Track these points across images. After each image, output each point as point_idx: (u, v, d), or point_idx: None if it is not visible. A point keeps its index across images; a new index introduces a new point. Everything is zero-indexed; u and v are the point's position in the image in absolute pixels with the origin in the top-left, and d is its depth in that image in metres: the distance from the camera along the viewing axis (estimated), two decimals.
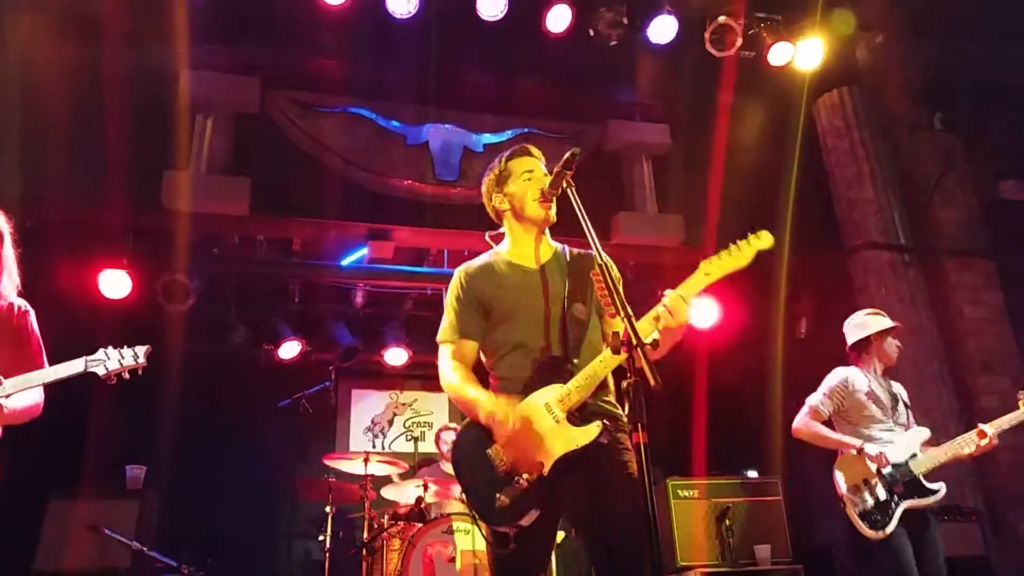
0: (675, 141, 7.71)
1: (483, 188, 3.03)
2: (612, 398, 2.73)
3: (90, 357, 3.07)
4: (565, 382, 2.57)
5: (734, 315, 7.34)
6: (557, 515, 2.67)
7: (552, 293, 2.77)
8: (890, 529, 4.03)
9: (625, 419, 2.65)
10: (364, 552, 5.36)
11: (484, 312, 2.81)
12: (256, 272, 7.10)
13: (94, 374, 3.06)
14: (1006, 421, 4.22)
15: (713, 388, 7.24)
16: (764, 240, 2.62)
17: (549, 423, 2.53)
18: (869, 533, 4.07)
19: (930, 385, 6.32)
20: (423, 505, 5.28)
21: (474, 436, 2.63)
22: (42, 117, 5.80)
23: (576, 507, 2.59)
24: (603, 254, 2.50)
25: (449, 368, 2.77)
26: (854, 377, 4.39)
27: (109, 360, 3.09)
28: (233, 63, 6.77)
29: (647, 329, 2.49)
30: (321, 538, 5.70)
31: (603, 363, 2.55)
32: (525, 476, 2.48)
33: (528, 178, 2.88)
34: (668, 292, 2.53)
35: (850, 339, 4.53)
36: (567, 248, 2.95)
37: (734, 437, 7.26)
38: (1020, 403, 4.22)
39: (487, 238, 3.08)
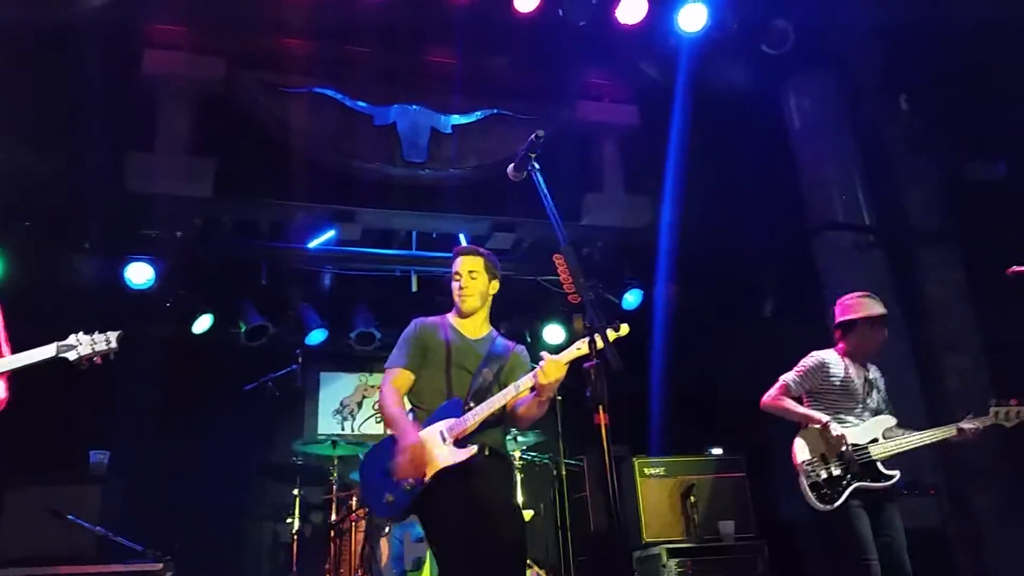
0: (643, 122, 7.71)
1: None
2: (497, 436, 3.55)
3: (61, 343, 3.05)
4: (459, 417, 3.35)
5: (699, 294, 7.40)
6: (457, 511, 3.26)
7: (472, 357, 3.59)
8: (838, 503, 4.12)
9: (509, 455, 3.71)
10: (332, 534, 5.37)
11: (423, 355, 3.59)
12: (222, 255, 7.03)
13: (65, 360, 3.03)
14: (980, 422, 4.30)
15: (679, 368, 7.30)
16: (622, 331, 3.11)
17: (439, 445, 3.30)
18: (816, 505, 4.18)
19: (893, 365, 6.36)
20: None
21: (383, 448, 3.43)
22: (1, 102, 5.67)
23: (447, 518, 3.25)
24: (562, 235, 2.53)
25: (389, 391, 3.53)
26: (831, 362, 4.46)
27: (81, 346, 3.08)
28: (197, 43, 6.65)
29: (525, 387, 3.31)
30: (289, 521, 5.71)
31: (488, 407, 3.33)
32: (410, 481, 3.23)
33: (456, 278, 3.68)
34: (546, 355, 3.23)
35: (837, 318, 4.57)
36: (497, 334, 3.79)
37: (699, 415, 7.34)
38: (991, 411, 4.30)
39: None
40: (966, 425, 4.28)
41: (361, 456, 3.72)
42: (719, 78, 7.06)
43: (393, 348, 3.70)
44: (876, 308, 4.49)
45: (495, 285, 3.76)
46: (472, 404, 3.41)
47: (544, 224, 2.56)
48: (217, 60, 6.68)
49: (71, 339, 3.09)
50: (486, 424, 3.38)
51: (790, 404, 4.45)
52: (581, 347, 3.13)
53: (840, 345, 4.56)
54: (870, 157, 7.17)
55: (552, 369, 3.19)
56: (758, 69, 7.12)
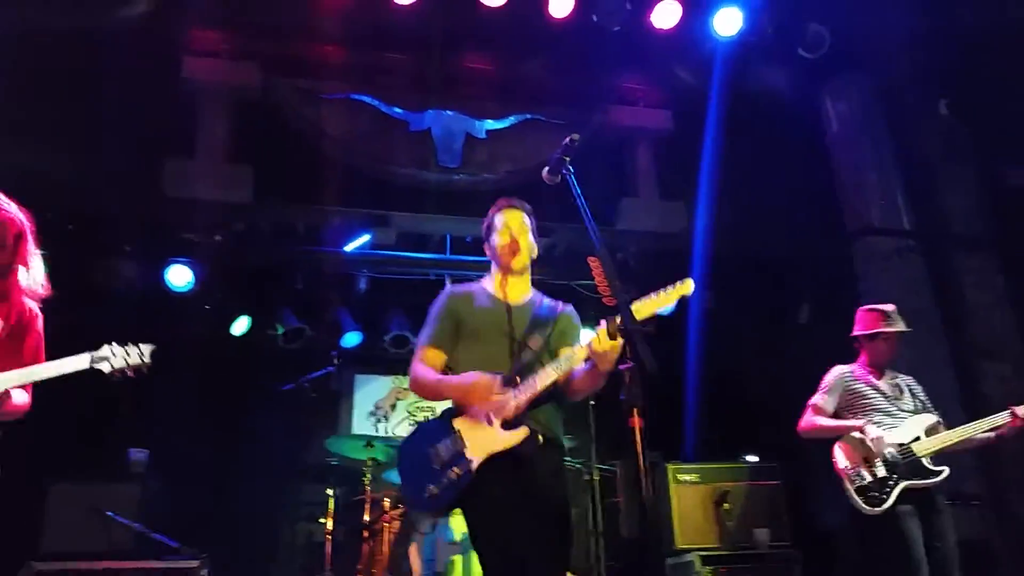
0: (678, 127, 7.68)
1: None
2: (549, 418, 3.10)
3: (95, 353, 3.07)
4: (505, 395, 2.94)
5: (735, 299, 7.34)
6: (506, 506, 2.89)
7: (514, 323, 3.18)
8: (887, 505, 4.06)
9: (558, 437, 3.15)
10: (366, 534, 5.40)
11: (456, 328, 3.23)
12: (260, 259, 7.11)
13: (99, 371, 3.07)
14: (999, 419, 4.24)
15: (715, 373, 7.24)
16: (686, 287, 2.84)
17: (484, 428, 2.92)
18: (866, 509, 4.11)
19: (931, 370, 6.29)
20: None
21: (423, 434, 3.10)
22: (42, 106, 5.80)
23: (495, 517, 2.89)
24: (596, 239, 2.53)
25: (422, 368, 3.19)
26: (852, 371, 4.46)
27: (115, 357, 3.09)
28: (235, 49, 6.75)
29: (577, 359, 2.92)
30: (322, 521, 5.74)
31: (542, 380, 2.93)
32: (455, 470, 2.88)
33: (501, 230, 3.33)
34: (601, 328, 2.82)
35: (856, 330, 4.57)
36: (541, 295, 3.40)
37: (735, 421, 7.28)
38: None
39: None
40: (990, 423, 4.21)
41: (396, 450, 3.29)
42: (755, 82, 7.01)
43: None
44: (897, 325, 4.50)
45: (535, 248, 3.43)
46: (519, 380, 3.01)
47: (578, 229, 2.56)
48: (254, 66, 6.78)
49: (104, 350, 3.08)
50: (537, 401, 2.99)
51: (823, 421, 4.42)
52: (640, 309, 2.79)
53: (861, 356, 4.58)
54: (909, 162, 7.07)
55: (607, 343, 2.81)
56: (794, 73, 7.06)
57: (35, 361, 3.12)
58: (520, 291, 3.33)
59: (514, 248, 3.27)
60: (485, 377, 2.93)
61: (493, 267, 3.40)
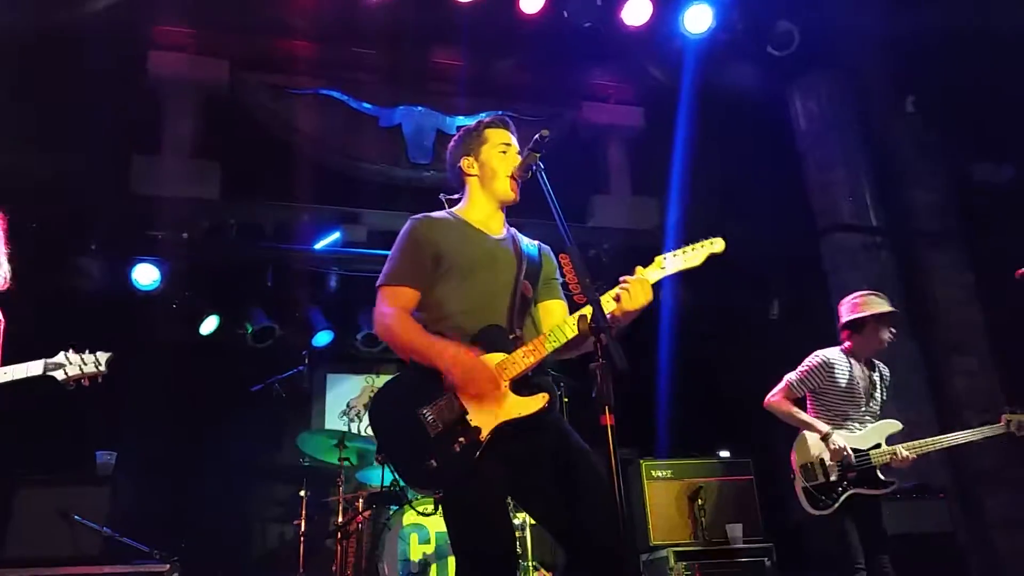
0: (649, 123, 7.70)
1: (452, 147, 3.01)
2: (549, 376, 2.71)
3: (50, 360, 3.02)
4: (510, 351, 2.54)
5: (707, 296, 7.37)
6: (503, 488, 2.56)
7: (505, 263, 2.76)
8: (830, 510, 4.13)
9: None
10: (339, 536, 5.36)
11: (434, 265, 2.70)
12: (228, 257, 7.03)
13: (53, 379, 3.01)
14: (991, 430, 4.30)
15: (687, 370, 7.27)
16: (717, 245, 2.69)
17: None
18: (810, 510, 4.20)
19: (901, 366, 6.35)
20: (398, 488, 5.28)
21: (400, 396, 2.55)
22: (5, 102, 5.68)
23: (525, 482, 2.56)
24: (568, 237, 2.49)
25: (397, 313, 2.64)
26: (836, 361, 4.43)
27: (69, 365, 3.04)
28: (202, 44, 6.67)
29: (606, 307, 2.49)
30: (296, 522, 5.70)
31: (551, 341, 2.53)
32: (460, 440, 2.41)
33: (504, 151, 2.88)
34: (629, 276, 2.55)
35: (845, 317, 4.53)
36: (516, 232, 2.97)
37: (707, 417, 7.32)
38: (1003, 417, 4.29)
39: (442, 199, 3.04)
40: (964, 438, 4.28)
41: (371, 412, 2.61)
42: (725, 79, 7.05)
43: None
44: (884, 306, 4.46)
45: None
46: (518, 330, 2.64)
47: (549, 225, 2.53)
48: (222, 62, 6.71)
49: (60, 357, 3.05)
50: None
51: (793, 410, 4.44)
52: (665, 265, 2.63)
53: (847, 344, 4.53)
54: (877, 159, 7.15)
55: (640, 292, 2.51)
56: (764, 71, 7.12)
57: None
58: (500, 225, 2.90)
59: (523, 177, 2.77)
60: (483, 367, 2.46)
61: (474, 195, 2.91)
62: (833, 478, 4.19)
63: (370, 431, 7.93)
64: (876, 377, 4.51)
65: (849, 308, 4.54)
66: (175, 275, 6.69)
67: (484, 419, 2.45)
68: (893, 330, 4.52)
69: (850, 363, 4.44)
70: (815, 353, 4.51)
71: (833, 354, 4.47)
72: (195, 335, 7.08)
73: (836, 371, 4.40)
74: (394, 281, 2.71)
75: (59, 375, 3.02)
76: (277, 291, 7.25)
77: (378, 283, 2.75)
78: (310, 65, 6.95)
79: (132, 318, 6.51)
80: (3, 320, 3.17)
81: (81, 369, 3.04)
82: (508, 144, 2.91)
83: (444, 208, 2.98)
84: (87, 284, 6.44)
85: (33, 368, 2.99)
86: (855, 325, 4.48)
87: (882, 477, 4.22)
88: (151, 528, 5.31)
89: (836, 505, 4.14)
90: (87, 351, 3.09)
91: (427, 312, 2.71)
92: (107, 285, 6.47)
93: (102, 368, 3.09)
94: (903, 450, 4.21)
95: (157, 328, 6.78)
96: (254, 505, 7.15)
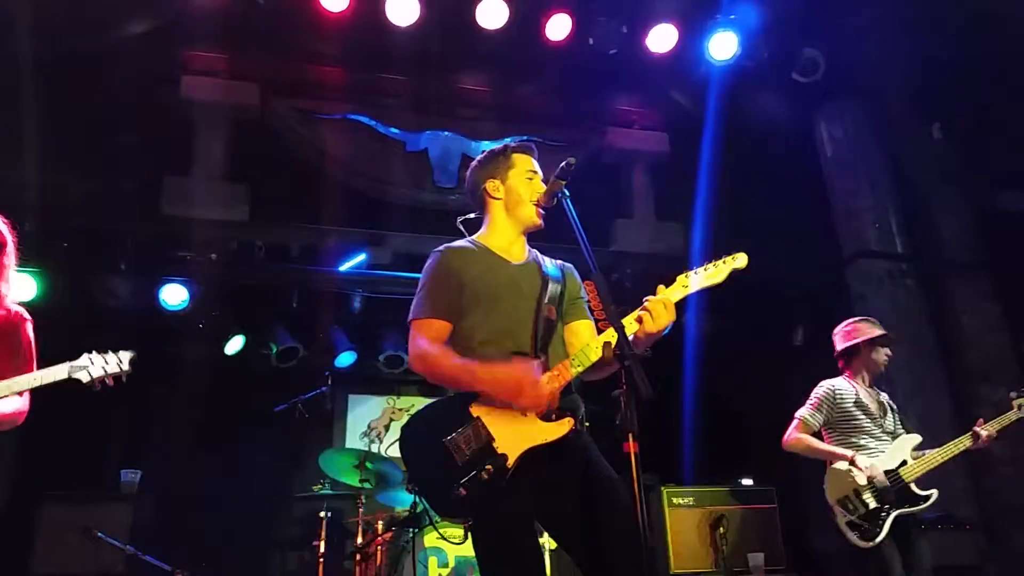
0: (674, 149, 7.72)
1: (475, 167, 3.02)
2: (575, 394, 2.70)
3: (73, 363, 3.03)
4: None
5: (730, 322, 7.34)
6: (531, 514, 2.57)
7: (528, 290, 2.76)
8: (880, 539, 4.05)
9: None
10: (358, 558, 5.37)
11: (458, 294, 2.72)
12: (254, 278, 7.10)
13: (78, 380, 3.03)
14: (998, 423, 4.24)
15: (709, 396, 7.23)
16: (740, 261, 2.63)
17: (517, 417, 2.50)
18: (858, 543, 4.09)
19: (928, 394, 6.31)
20: (418, 510, 5.28)
21: (429, 425, 2.57)
22: (39, 121, 5.81)
23: (553, 507, 2.55)
24: (592, 263, 2.49)
25: (433, 347, 2.65)
26: (841, 387, 4.42)
27: (93, 366, 3.04)
28: (233, 69, 6.79)
29: (628, 329, 2.48)
30: (315, 543, 5.71)
31: (576, 364, 2.53)
32: (488, 467, 2.42)
33: (530, 178, 2.89)
34: (651, 297, 2.54)
35: (839, 346, 4.56)
36: (539, 253, 2.97)
37: (730, 445, 7.26)
38: (1014, 404, 4.24)
39: (459, 222, 3.06)
40: (982, 431, 4.22)
41: (401, 441, 2.65)
42: (750, 106, 7.06)
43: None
44: (875, 330, 4.49)
45: None
46: (542, 355, 2.63)
47: (574, 250, 2.54)
48: (252, 86, 6.81)
49: (83, 359, 3.04)
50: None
51: (812, 442, 4.40)
52: (688, 283, 2.59)
53: (847, 372, 4.53)
54: (903, 186, 7.12)
55: (663, 312, 2.48)
56: (789, 98, 7.12)
57: (28, 364, 3.11)
58: (523, 250, 2.91)
59: (548, 204, 2.78)
60: (530, 372, 2.48)
61: (497, 220, 2.93)
62: (873, 505, 4.13)
63: (390, 452, 8.00)
64: (883, 399, 4.50)
65: (842, 337, 4.57)
66: (203, 295, 6.76)
67: (511, 446, 2.46)
68: (888, 352, 4.52)
69: (855, 387, 4.44)
70: (820, 384, 4.51)
71: (837, 382, 4.48)
72: (221, 355, 7.15)
73: (844, 396, 4.38)
74: (425, 315, 2.73)
75: (83, 376, 3.01)
76: (302, 312, 7.31)
77: (410, 317, 2.77)
78: (339, 90, 7.05)
79: (159, 338, 6.59)
80: (30, 320, 3.21)
81: (104, 369, 3.04)
82: (534, 172, 2.92)
83: (464, 234, 3.00)
84: (115, 303, 6.54)
85: (58, 372, 3.01)
86: (849, 352, 4.52)
87: (919, 492, 4.16)
88: (173, 546, 5.35)
89: (883, 532, 4.07)
90: (109, 351, 3.10)
91: (455, 343, 2.72)
92: (136, 304, 6.56)
93: (125, 367, 3.09)
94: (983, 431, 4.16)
95: (183, 348, 6.86)
96: (275, 525, 7.18)
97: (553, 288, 2.79)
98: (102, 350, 3.11)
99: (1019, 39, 6.13)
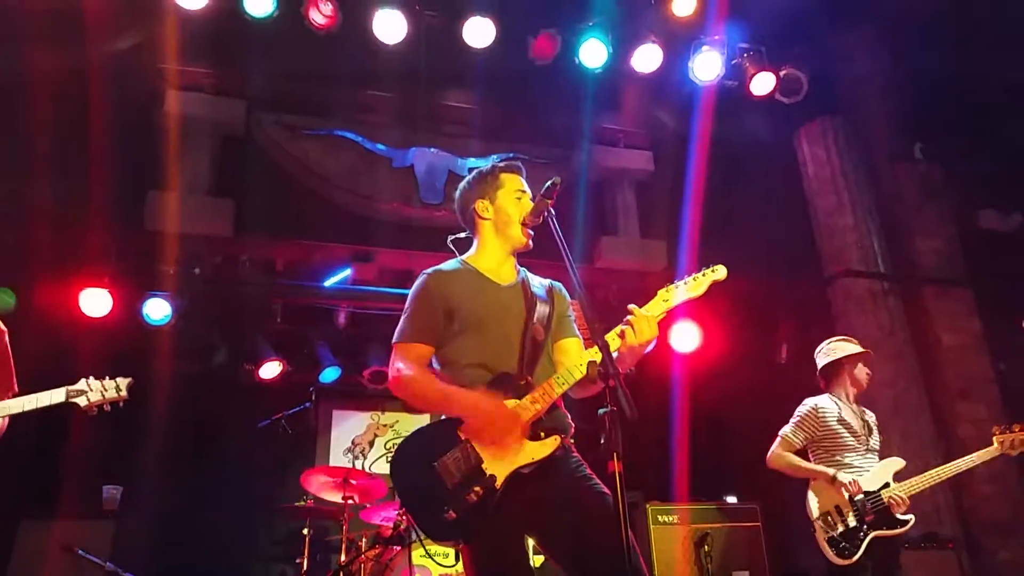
0: (658, 167, 7.78)
1: (464, 187, 3.00)
2: (563, 411, 2.72)
3: (71, 387, 3.05)
4: (520, 397, 2.56)
5: (715, 341, 7.37)
6: (521, 532, 2.60)
7: (516, 311, 2.76)
8: (856, 557, 4.07)
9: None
10: (341, 575, 5.33)
11: (447, 319, 2.72)
12: (239, 293, 7.08)
13: (75, 405, 3.04)
14: (979, 457, 4.27)
15: (694, 413, 7.25)
16: (719, 273, 2.67)
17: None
18: (836, 560, 4.12)
19: (908, 412, 6.37)
20: (402, 528, 5.26)
21: (418, 449, 2.57)
22: (24, 135, 5.78)
23: (543, 524, 2.56)
24: (577, 282, 2.51)
25: (413, 368, 2.67)
26: (824, 405, 4.44)
27: (91, 392, 3.08)
28: (219, 85, 6.79)
29: (611, 345, 2.50)
30: (298, 560, 5.66)
31: (560, 383, 2.55)
32: (476, 489, 2.44)
33: (519, 197, 2.88)
34: (635, 310, 2.55)
35: (821, 364, 4.59)
36: (528, 272, 2.96)
37: (714, 463, 7.28)
38: (994, 439, 4.26)
39: (449, 241, 3.07)
40: (965, 465, 4.25)
41: (392, 466, 2.63)
42: (734, 125, 7.12)
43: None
44: (854, 347, 4.53)
45: None
46: (528, 377, 2.64)
47: (559, 268, 2.56)
48: (239, 102, 6.82)
49: (81, 384, 3.09)
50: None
51: (794, 460, 4.42)
52: (669, 298, 2.62)
53: (830, 390, 4.57)
54: (884, 205, 7.19)
55: (645, 327, 2.50)
56: (772, 117, 7.18)
57: (5, 375, 3.10)
58: (511, 271, 2.89)
59: (535, 223, 2.78)
60: (503, 409, 2.49)
61: (486, 240, 2.93)
62: (852, 524, 4.15)
63: (375, 469, 7.96)
64: (868, 417, 4.52)
65: (824, 355, 4.61)
66: (186, 310, 6.73)
67: (499, 467, 2.48)
68: (868, 370, 4.57)
69: (838, 405, 4.45)
70: (804, 402, 4.53)
71: (820, 399, 4.49)
72: (204, 370, 7.10)
73: (827, 414, 4.40)
74: (408, 339, 2.73)
75: (82, 401, 3.05)
76: (286, 327, 7.29)
77: (393, 340, 2.76)
78: (325, 106, 7.07)
79: (142, 352, 6.54)
80: (5, 331, 3.19)
81: (103, 395, 3.08)
82: (523, 191, 2.92)
83: (455, 253, 3.01)
84: (98, 317, 6.48)
85: (55, 396, 3.03)
86: (831, 370, 4.55)
87: (898, 516, 4.19)
88: (155, 563, 5.30)
89: (860, 551, 4.09)
90: (106, 377, 3.13)
91: (442, 366, 2.75)
92: (118, 318, 6.51)
93: (123, 393, 3.13)
94: (898, 492, 4.19)
95: (166, 363, 6.80)
96: (257, 542, 7.11)
97: (541, 309, 2.80)
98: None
99: (1000, 60, 6.23)
